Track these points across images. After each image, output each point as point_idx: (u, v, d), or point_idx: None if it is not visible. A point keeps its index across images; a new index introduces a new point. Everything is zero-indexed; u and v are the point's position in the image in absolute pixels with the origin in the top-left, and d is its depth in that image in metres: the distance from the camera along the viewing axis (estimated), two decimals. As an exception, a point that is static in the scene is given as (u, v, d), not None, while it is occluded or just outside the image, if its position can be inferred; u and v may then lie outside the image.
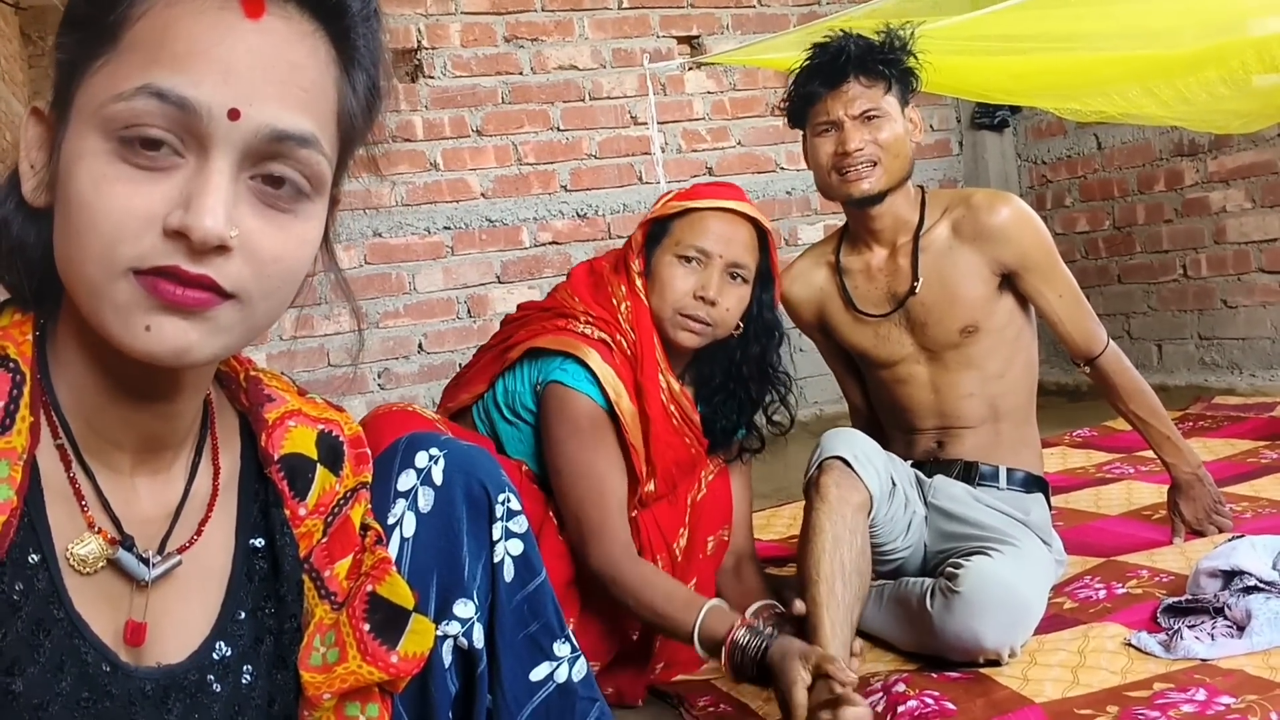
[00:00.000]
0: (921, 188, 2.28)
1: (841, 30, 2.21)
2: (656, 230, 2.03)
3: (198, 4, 0.77)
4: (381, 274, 4.44)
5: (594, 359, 1.91)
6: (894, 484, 2.07)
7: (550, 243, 4.78)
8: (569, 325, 1.96)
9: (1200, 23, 2.66)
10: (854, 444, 2.00)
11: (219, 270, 0.77)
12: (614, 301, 1.99)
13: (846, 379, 2.49)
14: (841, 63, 2.12)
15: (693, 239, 1.98)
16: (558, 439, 1.90)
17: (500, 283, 4.70)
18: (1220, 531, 2.30)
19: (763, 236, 2.04)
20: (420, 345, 4.56)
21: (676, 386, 2.01)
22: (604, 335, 1.95)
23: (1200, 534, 2.36)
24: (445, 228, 4.63)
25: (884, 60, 2.13)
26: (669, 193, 2.10)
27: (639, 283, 1.99)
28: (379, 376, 4.53)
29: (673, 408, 2.00)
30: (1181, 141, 4.56)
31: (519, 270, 4.70)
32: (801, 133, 2.23)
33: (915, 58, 2.19)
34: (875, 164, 2.12)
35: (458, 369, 2.33)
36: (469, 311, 4.64)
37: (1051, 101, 3.26)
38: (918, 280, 2.19)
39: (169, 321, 0.77)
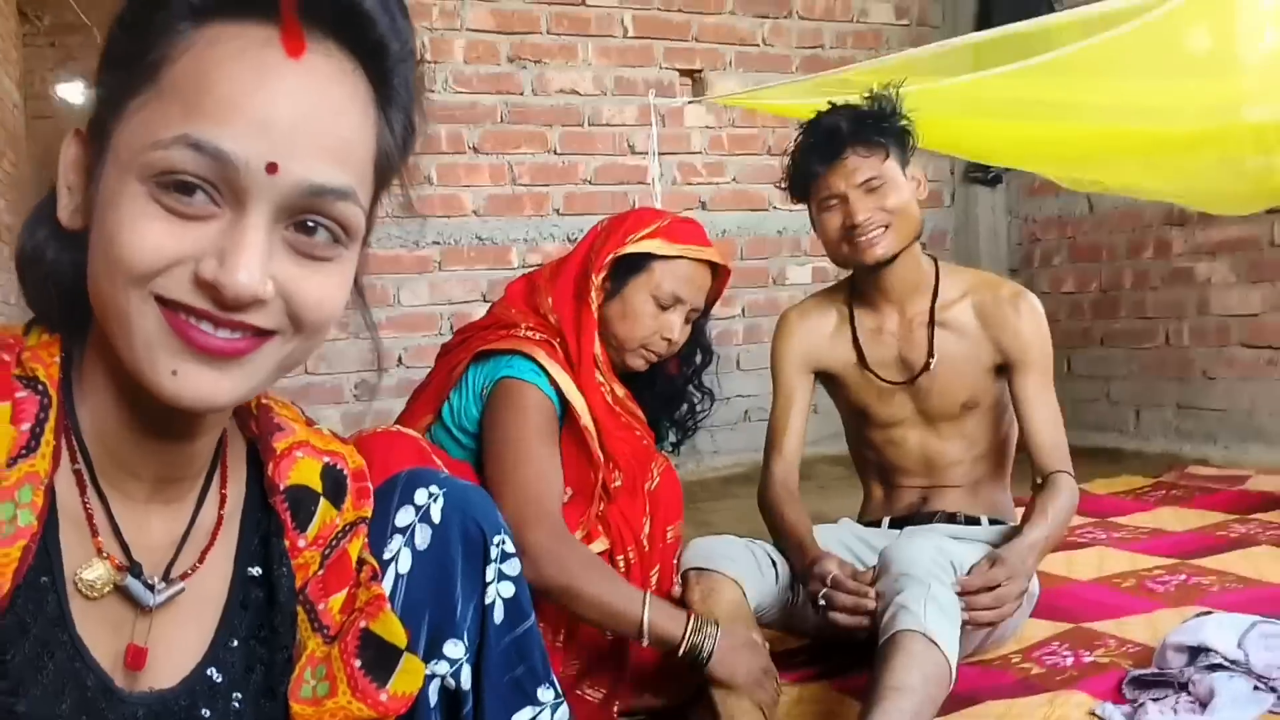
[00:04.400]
0: (934, 257, 2.31)
1: (830, 103, 2.23)
2: (631, 261, 2.05)
3: (240, 43, 0.76)
4: (366, 284, 4.42)
5: (541, 355, 1.95)
6: (772, 561, 2.14)
7: (539, 265, 4.77)
8: (513, 333, 1.99)
9: (1198, 104, 2.71)
10: (708, 551, 2.07)
11: (255, 316, 0.78)
12: (541, 310, 2.03)
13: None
14: (836, 136, 2.14)
15: (672, 287, 2.04)
16: (504, 424, 1.91)
17: (485, 301, 4.69)
18: (975, 625, 1.98)
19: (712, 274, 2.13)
20: (400, 359, 4.55)
21: (621, 391, 2.07)
22: (545, 337, 2.00)
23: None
24: (434, 242, 4.64)
25: (878, 129, 2.15)
26: (640, 219, 2.10)
27: (595, 297, 2.02)
28: (355, 388, 4.52)
29: (616, 408, 2.06)
30: (1172, 211, 4.62)
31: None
32: (807, 206, 2.25)
33: (907, 119, 2.20)
34: (886, 228, 2.13)
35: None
36: (452, 328, 4.63)
37: (1052, 169, 3.31)
38: (933, 357, 2.22)
39: (196, 370, 0.78)
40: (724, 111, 5.09)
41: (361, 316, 0.93)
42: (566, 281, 2.06)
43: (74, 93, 7.27)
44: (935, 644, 1.74)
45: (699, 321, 2.16)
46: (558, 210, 4.84)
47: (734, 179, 5.15)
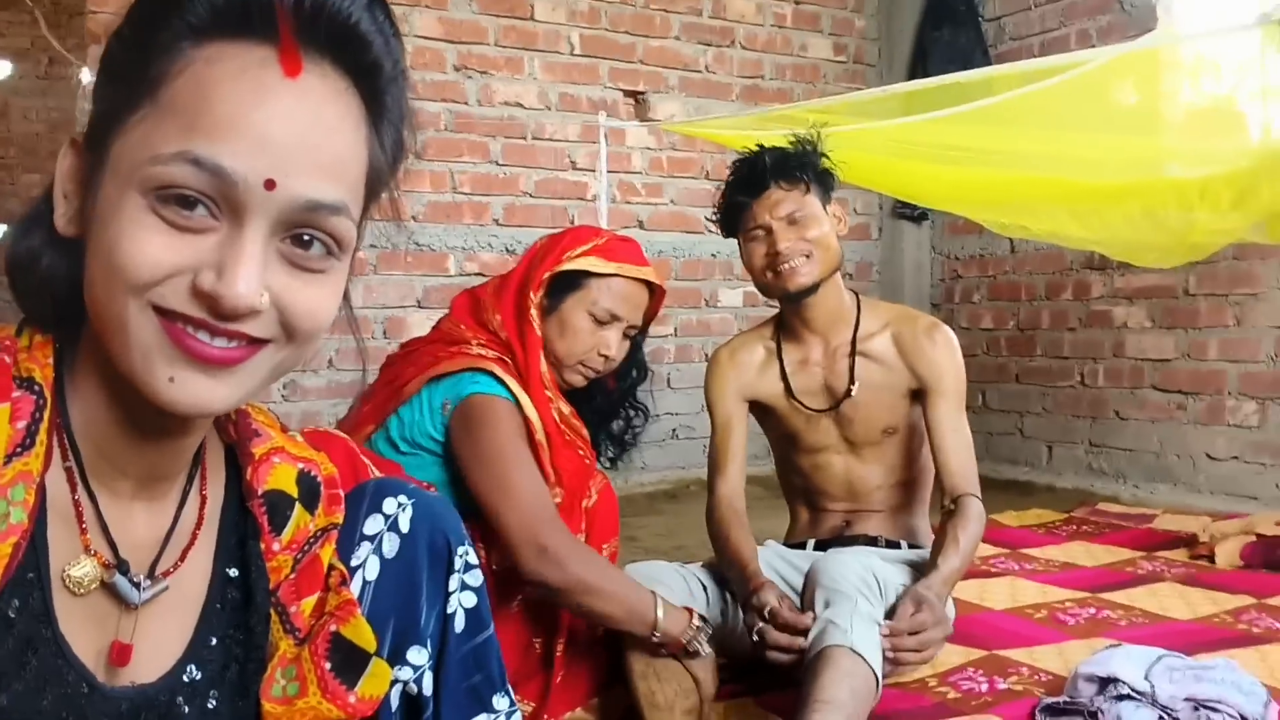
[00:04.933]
0: (855, 292, 2.43)
1: (758, 144, 2.36)
2: (568, 278, 2.09)
3: (239, 63, 0.79)
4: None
5: (499, 372, 1.99)
6: (703, 585, 2.23)
7: (476, 273, 4.80)
8: (463, 350, 2.02)
9: (1124, 158, 2.82)
10: (642, 578, 2.10)
11: (250, 325, 0.81)
12: (491, 327, 2.06)
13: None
14: (760, 171, 2.26)
15: (608, 304, 2.08)
16: (485, 439, 1.94)
17: (420, 307, 4.70)
18: (897, 664, 2.03)
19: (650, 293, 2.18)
20: (330, 361, 4.53)
21: (566, 409, 2.10)
22: (498, 354, 2.03)
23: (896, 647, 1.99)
24: (370, 245, 4.59)
25: (799, 165, 2.27)
26: (581, 237, 2.14)
27: (534, 314, 2.05)
28: (284, 388, 4.49)
29: (563, 425, 2.08)
30: (1092, 256, 4.77)
31: (440, 297, 4.70)
32: (736, 241, 2.35)
33: (827, 158, 2.33)
34: (807, 257, 2.24)
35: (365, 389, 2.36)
36: (384, 333, 4.63)
37: (978, 213, 3.40)
38: (854, 384, 2.31)
39: (193, 378, 0.81)
40: (665, 134, 5.16)
41: (348, 318, 0.96)
42: (509, 298, 2.09)
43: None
44: (863, 658, 1.81)
45: (636, 339, 2.20)
46: (497, 220, 4.86)
47: (671, 201, 5.21)
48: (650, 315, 2.20)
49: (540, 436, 2.01)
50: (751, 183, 2.27)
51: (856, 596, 1.90)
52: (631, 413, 2.27)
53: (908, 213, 5.60)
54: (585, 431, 2.16)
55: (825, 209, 2.29)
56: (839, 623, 1.85)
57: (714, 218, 2.38)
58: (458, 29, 4.77)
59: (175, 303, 0.79)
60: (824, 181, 2.31)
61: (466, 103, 4.80)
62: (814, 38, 5.58)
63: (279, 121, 0.79)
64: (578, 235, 2.14)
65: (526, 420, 2.00)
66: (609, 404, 2.24)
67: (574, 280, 2.08)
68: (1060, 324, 5.01)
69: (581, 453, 2.13)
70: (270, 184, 0.78)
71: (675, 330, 5.23)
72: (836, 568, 1.99)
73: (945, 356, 2.32)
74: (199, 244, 0.79)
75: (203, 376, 0.81)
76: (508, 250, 4.87)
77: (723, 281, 5.34)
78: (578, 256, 2.09)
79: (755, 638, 2.00)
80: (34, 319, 0.89)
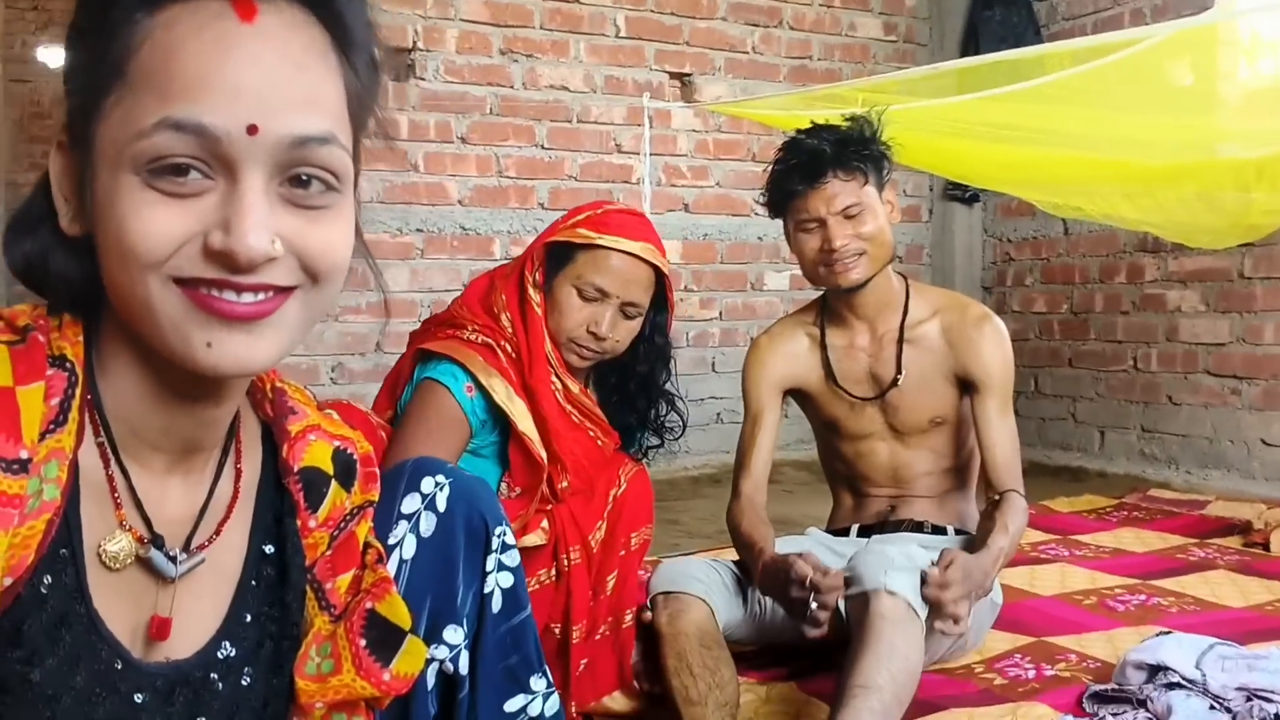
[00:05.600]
0: (904, 276, 2.36)
1: (813, 123, 2.27)
2: (560, 250, 2.03)
3: (196, 20, 0.79)
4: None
5: (477, 363, 1.93)
6: (738, 579, 2.19)
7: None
8: (456, 334, 1.99)
9: (1179, 139, 2.76)
10: (674, 574, 2.11)
11: (271, 274, 0.81)
12: (494, 310, 2.01)
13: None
14: (820, 161, 2.17)
15: (593, 278, 1.99)
16: (405, 419, 1.92)
17: (466, 291, 4.70)
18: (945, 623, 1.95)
19: (660, 274, 2.08)
20: (378, 344, 4.55)
21: (575, 388, 2.04)
22: (488, 340, 1.97)
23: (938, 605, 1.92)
24: (418, 229, 4.64)
25: (859, 154, 2.19)
26: (580, 209, 2.08)
27: (535, 296, 2.00)
28: (333, 370, 4.53)
29: (570, 407, 2.03)
30: (1146, 238, 4.70)
31: (487, 281, 4.71)
32: (783, 222, 2.28)
33: (885, 143, 2.25)
34: (861, 254, 2.18)
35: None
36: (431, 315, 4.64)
37: (1032, 193, 3.35)
38: (901, 373, 2.27)
39: (230, 338, 0.81)
40: (711, 116, 5.13)
41: (367, 264, 0.95)
42: (514, 279, 2.04)
43: (54, 57, 7.21)
44: (897, 594, 1.82)
45: (655, 321, 2.12)
46: (542, 204, 4.86)
47: (717, 183, 5.19)
48: (664, 299, 2.12)
49: (524, 427, 1.96)
50: (808, 171, 2.17)
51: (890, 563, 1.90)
52: (658, 402, 2.19)
53: (959, 194, 5.53)
54: (599, 413, 2.09)
55: (880, 198, 2.22)
56: (874, 578, 1.86)
57: (762, 198, 2.31)
58: (503, 12, 4.77)
59: (193, 270, 0.79)
60: (880, 168, 2.23)
61: (512, 86, 4.80)
62: (863, 17, 5.51)
63: (246, 67, 0.79)
64: (580, 209, 2.08)
65: (510, 419, 1.95)
66: (629, 391, 2.17)
67: (565, 253, 2.02)
68: (1113, 307, 4.94)
69: (594, 435, 2.08)
70: (253, 129, 0.78)
71: (720, 314, 5.21)
72: (876, 555, 1.96)
73: (994, 351, 2.25)
74: (201, 207, 0.79)
75: (240, 334, 0.81)
76: (553, 234, 4.86)
77: (769, 265, 5.31)
78: (569, 228, 2.03)
79: (813, 605, 1.90)
80: (55, 309, 0.89)
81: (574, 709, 2.05)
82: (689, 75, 5.14)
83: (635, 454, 2.22)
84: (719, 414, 5.13)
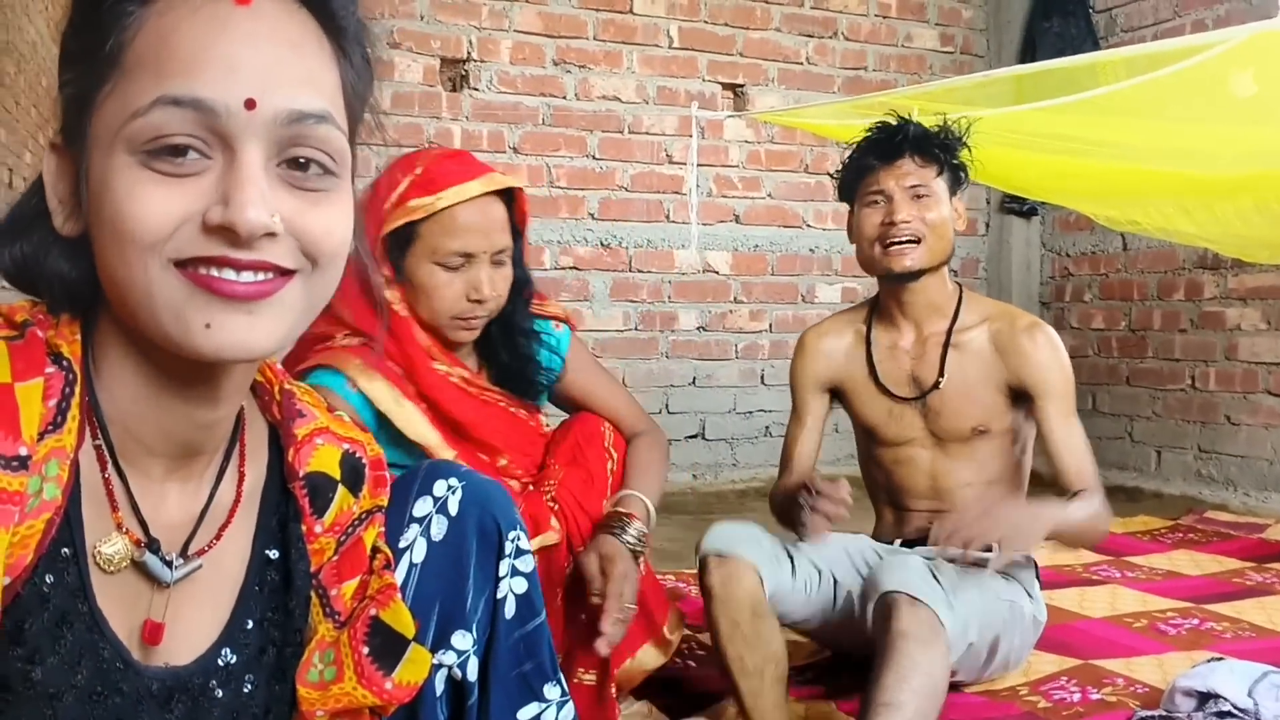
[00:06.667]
0: (959, 284, 2.34)
1: (900, 117, 2.27)
2: (401, 234, 1.78)
3: (189, 5, 0.79)
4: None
5: (353, 365, 1.75)
6: (788, 554, 2.11)
7: (571, 267, 4.81)
8: (328, 346, 1.78)
9: (1239, 150, 2.69)
10: (730, 534, 2.04)
11: (271, 252, 0.79)
12: (347, 324, 1.78)
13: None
14: (899, 140, 2.19)
15: (450, 244, 1.76)
16: None
17: (516, 300, 4.71)
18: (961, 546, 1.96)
19: (510, 199, 1.85)
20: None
21: (467, 374, 1.87)
22: (364, 341, 1.76)
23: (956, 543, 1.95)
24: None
25: (940, 145, 2.21)
26: (390, 179, 1.79)
27: (394, 295, 1.80)
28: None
29: (474, 389, 1.87)
30: (1205, 255, 4.60)
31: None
32: (849, 208, 2.28)
33: (969, 150, 2.26)
34: (919, 241, 2.16)
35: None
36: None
37: (1089, 206, 3.29)
38: (943, 376, 2.23)
39: (230, 319, 0.79)
40: (763, 127, 5.10)
41: (362, 253, 0.94)
42: (354, 291, 1.55)
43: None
44: (919, 600, 1.78)
45: (515, 254, 1.88)
46: (593, 215, 4.86)
47: (769, 194, 5.15)
48: (520, 220, 1.87)
49: (417, 433, 1.77)
50: (886, 149, 2.20)
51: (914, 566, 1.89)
52: (519, 338, 1.94)
53: (1016, 208, 5.45)
54: (497, 388, 1.92)
55: (950, 199, 2.22)
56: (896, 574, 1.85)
57: (835, 174, 2.32)
58: (557, 23, 4.78)
59: (192, 249, 0.78)
60: (956, 172, 2.24)
61: (565, 97, 4.81)
62: (919, 28, 5.46)
63: (243, 45, 0.78)
64: (390, 180, 1.79)
65: (396, 426, 1.77)
66: (507, 333, 1.93)
67: (404, 233, 1.77)
68: (1172, 325, 4.83)
69: (505, 406, 1.91)
70: (250, 103, 0.77)
71: (770, 326, 5.17)
72: (896, 567, 1.93)
73: (1048, 357, 2.20)
74: (199, 186, 0.78)
75: (239, 315, 0.79)
76: (603, 245, 4.86)
77: (820, 277, 5.25)
78: (397, 206, 1.77)
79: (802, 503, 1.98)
80: (54, 309, 0.88)
81: (614, 691, 1.90)
82: (742, 86, 5.11)
83: (533, 401, 2.02)
84: (767, 427, 5.08)
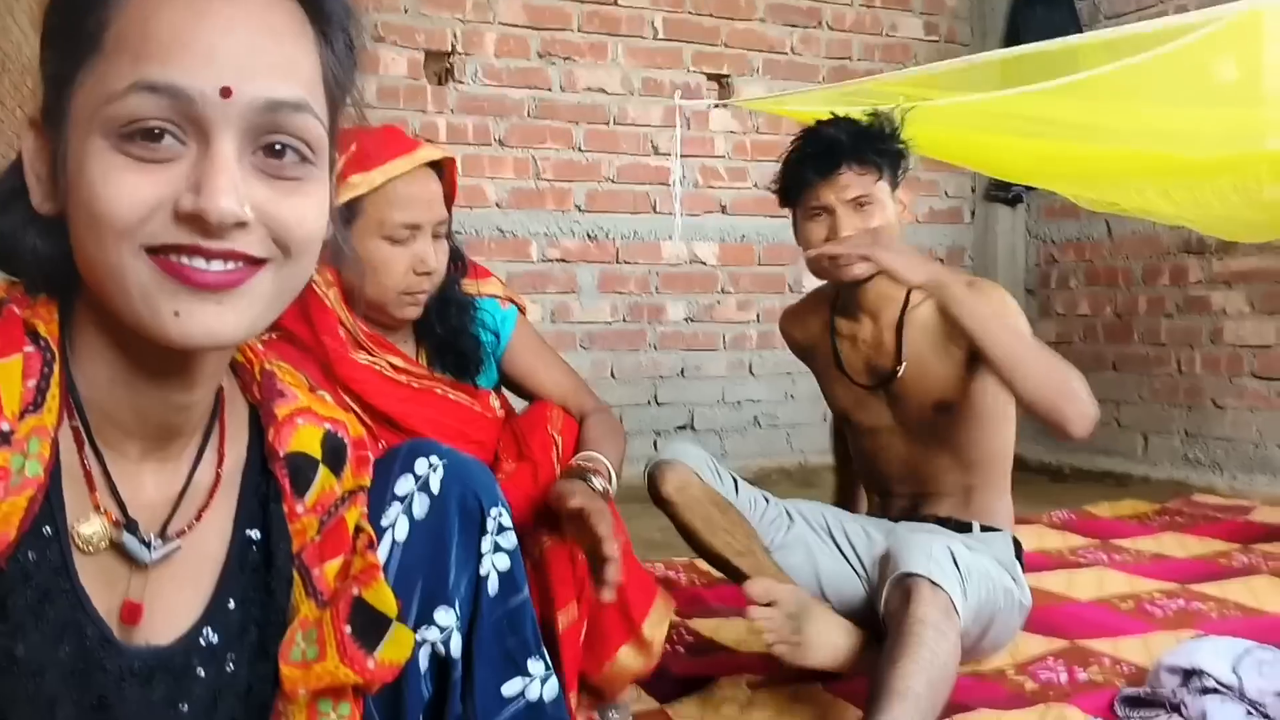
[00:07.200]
0: None
1: (833, 114, 2.27)
2: (342, 214, 1.63)
3: None
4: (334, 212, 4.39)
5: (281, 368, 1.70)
6: (734, 481, 2.23)
7: (558, 259, 4.81)
8: (249, 345, 1.69)
9: (1220, 132, 2.70)
10: (673, 448, 2.18)
11: (241, 241, 0.79)
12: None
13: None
14: (835, 151, 2.16)
15: (398, 215, 1.73)
16: None
17: (503, 293, 4.70)
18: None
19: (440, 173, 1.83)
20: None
21: (400, 360, 1.82)
22: (284, 335, 1.71)
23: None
24: (455, 232, 4.63)
25: (875, 148, 2.18)
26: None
27: (327, 278, 1.75)
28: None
29: (404, 378, 1.81)
30: (1190, 239, 4.62)
31: (523, 284, 4.70)
32: (792, 214, 2.27)
33: (904, 142, 2.24)
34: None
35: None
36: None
37: (1069, 188, 3.30)
38: (901, 363, 2.24)
39: (199, 307, 0.79)
40: (749, 117, 5.10)
41: (340, 245, 0.94)
42: None
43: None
44: (940, 587, 1.80)
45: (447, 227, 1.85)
46: (579, 207, 4.86)
47: (755, 184, 5.14)
48: (449, 192, 1.86)
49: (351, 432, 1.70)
50: (823, 163, 2.17)
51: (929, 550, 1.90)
52: (452, 309, 1.90)
53: (1001, 195, 5.46)
54: (435, 373, 1.88)
55: (893, 196, 2.21)
56: (913, 565, 1.86)
57: (773, 186, 2.29)
58: (541, 15, 4.77)
59: (164, 236, 0.78)
60: (896, 166, 2.22)
61: (550, 89, 4.80)
62: (904, 17, 5.46)
63: (223, 32, 0.78)
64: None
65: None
66: (442, 309, 1.89)
67: (344, 212, 1.71)
68: (1157, 310, 4.85)
69: (443, 393, 1.86)
70: (226, 91, 0.77)
71: (758, 316, 5.16)
72: (913, 545, 1.95)
73: (986, 300, 2.12)
74: (172, 173, 0.78)
75: (209, 304, 0.79)
76: (590, 237, 4.86)
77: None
78: (342, 191, 1.72)
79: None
80: (31, 289, 0.88)
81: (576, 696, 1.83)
82: (727, 77, 5.11)
83: (474, 381, 1.95)
84: (755, 417, 5.08)
